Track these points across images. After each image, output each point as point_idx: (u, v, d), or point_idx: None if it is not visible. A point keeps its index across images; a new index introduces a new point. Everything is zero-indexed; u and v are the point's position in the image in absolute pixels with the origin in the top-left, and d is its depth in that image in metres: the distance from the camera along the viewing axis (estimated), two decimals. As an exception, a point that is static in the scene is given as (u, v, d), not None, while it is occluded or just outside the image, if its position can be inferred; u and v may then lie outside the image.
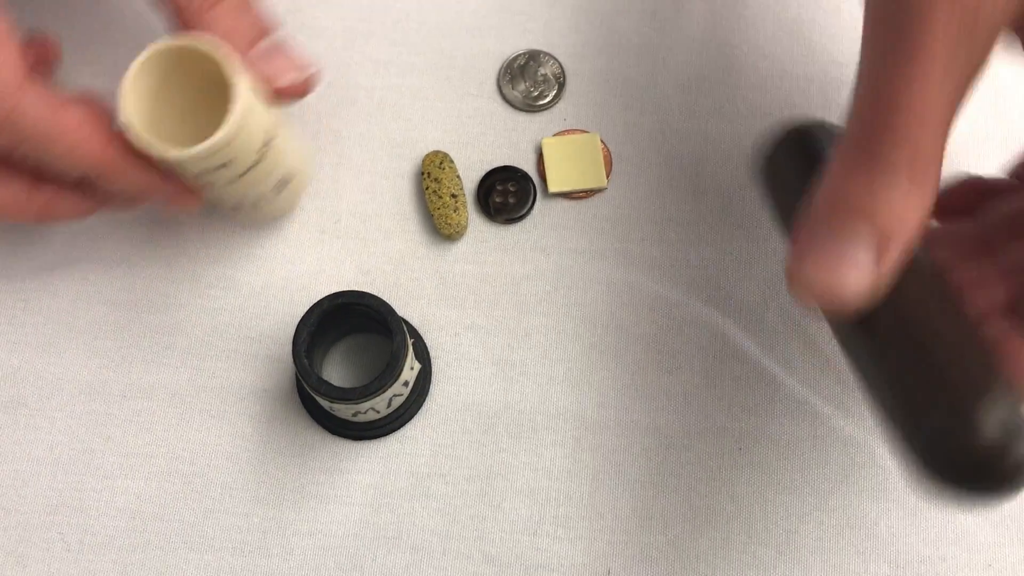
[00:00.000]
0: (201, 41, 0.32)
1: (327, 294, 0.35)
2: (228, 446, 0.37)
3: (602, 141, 0.40)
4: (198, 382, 0.38)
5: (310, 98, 0.36)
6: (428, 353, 0.38)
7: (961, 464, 0.24)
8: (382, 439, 0.37)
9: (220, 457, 0.37)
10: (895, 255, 0.25)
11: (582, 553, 0.35)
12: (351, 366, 0.38)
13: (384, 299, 0.35)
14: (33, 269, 0.39)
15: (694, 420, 0.37)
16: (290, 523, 0.36)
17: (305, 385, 0.34)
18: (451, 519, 0.36)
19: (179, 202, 0.35)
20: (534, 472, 0.37)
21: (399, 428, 0.37)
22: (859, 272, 0.25)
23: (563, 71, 0.41)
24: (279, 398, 0.38)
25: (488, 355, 0.38)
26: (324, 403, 0.35)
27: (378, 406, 0.35)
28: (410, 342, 0.35)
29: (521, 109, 0.41)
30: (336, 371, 0.38)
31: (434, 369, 0.38)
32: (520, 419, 0.37)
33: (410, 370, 0.35)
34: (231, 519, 0.36)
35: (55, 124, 0.32)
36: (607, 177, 0.40)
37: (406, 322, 0.38)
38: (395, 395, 0.35)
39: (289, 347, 0.34)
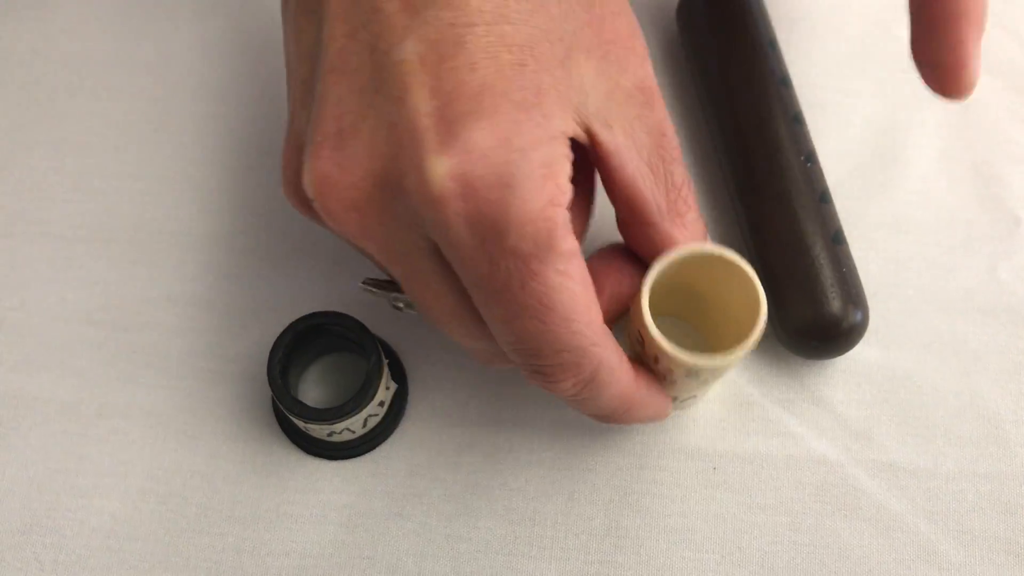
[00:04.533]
0: (728, 251, 0.30)
1: (303, 314, 0.35)
2: (203, 466, 0.37)
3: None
4: (174, 401, 0.38)
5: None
6: (405, 373, 0.38)
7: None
8: (358, 459, 0.37)
9: (195, 477, 0.37)
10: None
11: (556, 572, 0.35)
12: (327, 386, 0.38)
13: (360, 319, 0.35)
14: (10, 287, 0.40)
15: (667, 439, 0.37)
16: (265, 543, 0.36)
17: (279, 405, 0.34)
18: (426, 539, 0.36)
19: (660, 414, 0.33)
20: (509, 492, 0.37)
21: (375, 448, 0.37)
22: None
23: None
24: (255, 418, 0.38)
25: (464, 375, 0.38)
26: (299, 423, 0.35)
27: (353, 426, 0.35)
28: (386, 362, 0.35)
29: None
30: (312, 391, 0.38)
31: (411, 389, 0.38)
32: (496, 439, 0.37)
33: (385, 390, 0.36)
34: (206, 539, 0.36)
35: (620, 372, 0.28)
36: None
37: (383, 342, 0.38)
38: (370, 415, 0.35)
39: (265, 367, 0.34)
